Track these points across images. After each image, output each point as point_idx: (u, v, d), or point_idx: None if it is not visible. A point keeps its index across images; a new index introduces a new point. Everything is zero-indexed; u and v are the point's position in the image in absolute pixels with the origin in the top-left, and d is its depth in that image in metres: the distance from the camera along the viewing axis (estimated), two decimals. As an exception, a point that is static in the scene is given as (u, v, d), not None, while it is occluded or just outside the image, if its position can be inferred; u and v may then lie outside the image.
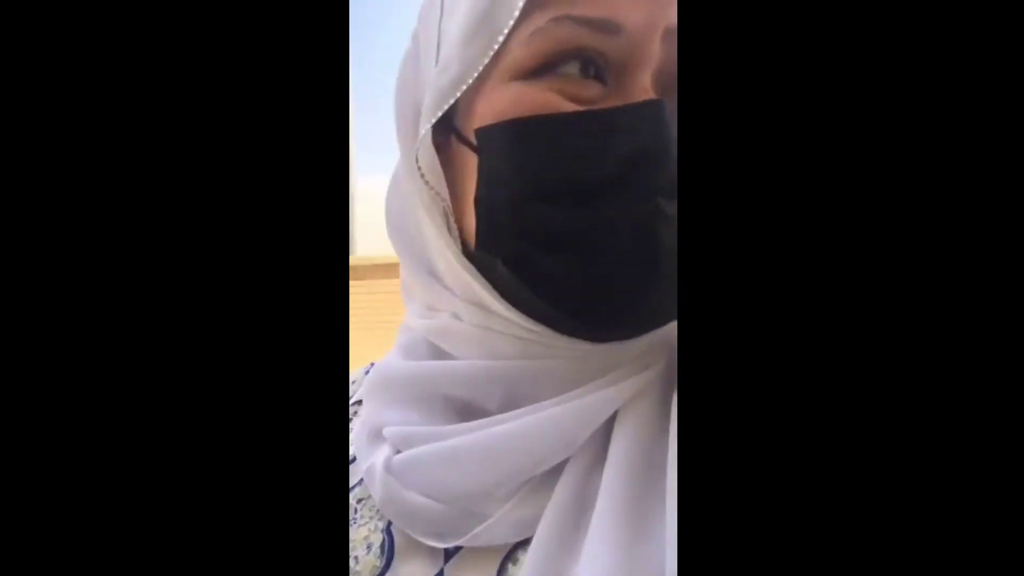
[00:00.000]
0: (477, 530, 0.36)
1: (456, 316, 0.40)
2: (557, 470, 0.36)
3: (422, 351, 0.43)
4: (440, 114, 0.37)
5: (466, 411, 0.40)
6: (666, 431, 0.33)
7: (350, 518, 0.42)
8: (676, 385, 0.33)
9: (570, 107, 0.33)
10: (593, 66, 0.34)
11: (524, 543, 0.36)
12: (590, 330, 0.36)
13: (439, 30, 0.38)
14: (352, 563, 0.40)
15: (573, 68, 0.33)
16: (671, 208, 0.32)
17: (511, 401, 0.37)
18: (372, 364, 0.51)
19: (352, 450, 0.44)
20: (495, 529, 0.36)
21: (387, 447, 0.40)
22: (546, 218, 0.33)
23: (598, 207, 0.32)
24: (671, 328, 0.37)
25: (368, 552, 0.40)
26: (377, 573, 0.39)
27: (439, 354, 0.42)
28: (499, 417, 0.36)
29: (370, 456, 0.41)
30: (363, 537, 0.41)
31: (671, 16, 0.33)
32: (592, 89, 0.34)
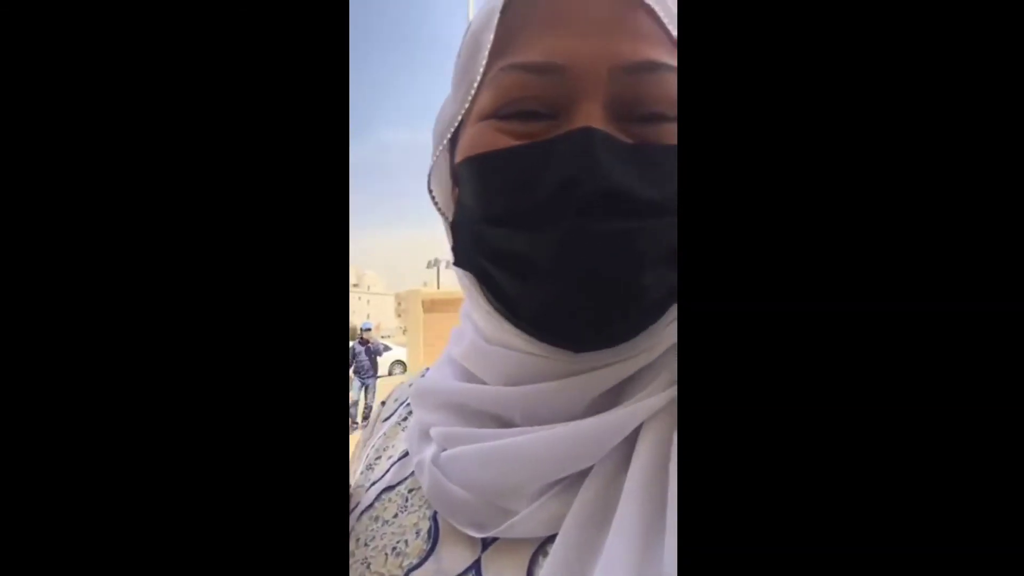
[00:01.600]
0: (509, 523, 0.39)
1: (477, 332, 0.45)
2: (584, 473, 0.39)
3: (454, 369, 0.48)
4: (440, 148, 0.44)
5: (498, 421, 0.44)
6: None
7: (403, 506, 0.47)
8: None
9: (514, 143, 0.38)
10: (537, 103, 0.38)
11: (553, 538, 0.39)
12: (555, 340, 0.40)
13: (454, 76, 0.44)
14: (402, 546, 0.44)
15: (520, 108, 0.38)
16: (604, 225, 0.35)
17: (532, 417, 0.41)
18: (427, 369, 0.57)
19: (405, 446, 0.50)
20: (526, 523, 0.39)
21: (434, 445, 0.44)
22: (496, 240, 0.38)
23: (534, 229, 0.36)
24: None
25: (417, 537, 0.44)
26: (423, 556, 0.43)
27: (468, 374, 0.47)
28: (531, 428, 0.39)
29: (420, 452, 0.45)
30: (413, 523, 0.45)
31: (623, 53, 0.37)
32: (536, 125, 0.38)
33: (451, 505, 0.42)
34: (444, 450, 0.43)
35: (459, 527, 0.42)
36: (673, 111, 0.37)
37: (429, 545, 0.43)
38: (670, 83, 0.37)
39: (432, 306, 5.00)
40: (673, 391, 0.39)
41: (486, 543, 0.42)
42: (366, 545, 0.45)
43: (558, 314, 0.38)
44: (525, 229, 0.36)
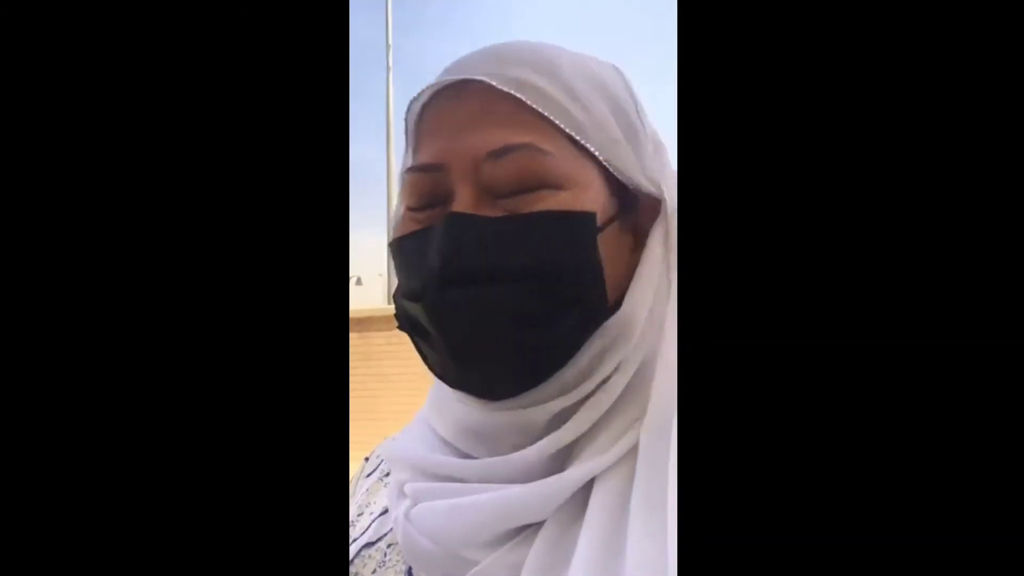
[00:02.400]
0: (474, 570, 0.42)
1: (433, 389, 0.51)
2: (542, 523, 0.43)
3: (420, 429, 0.53)
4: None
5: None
6: (629, 496, 0.41)
7: (381, 561, 0.49)
8: (647, 457, 0.41)
9: (416, 228, 0.47)
10: (430, 196, 0.46)
11: None
12: (470, 392, 0.46)
13: None
14: None
15: (420, 201, 0.47)
16: (463, 292, 0.42)
17: (491, 476, 0.45)
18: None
19: (385, 503, 0.52)
20: (491, 571, 0.42)
21: (408, 500, 0.47)
22: (406, 310, 0.46)
23: (420, 300, 0.43)
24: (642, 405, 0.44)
25: None
26: None
27: (432, 431, 0.52)
28: (492, 486, 0.44)
29: (397, 508, 0.48)
30: None
31: (487, 143, 0.44)
32: (431, 212, 0.46)
33: (421, 557, 0.45)
34: (416, 504, 0.45)
35: None
36: (540, 182, 0.43)
37: None
38: (533, 159, 0.43)
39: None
40: (623, 446, 0.43)
41: None
42: None
43: (453, 371, 0.45)
44: (416, 301, 0.43)
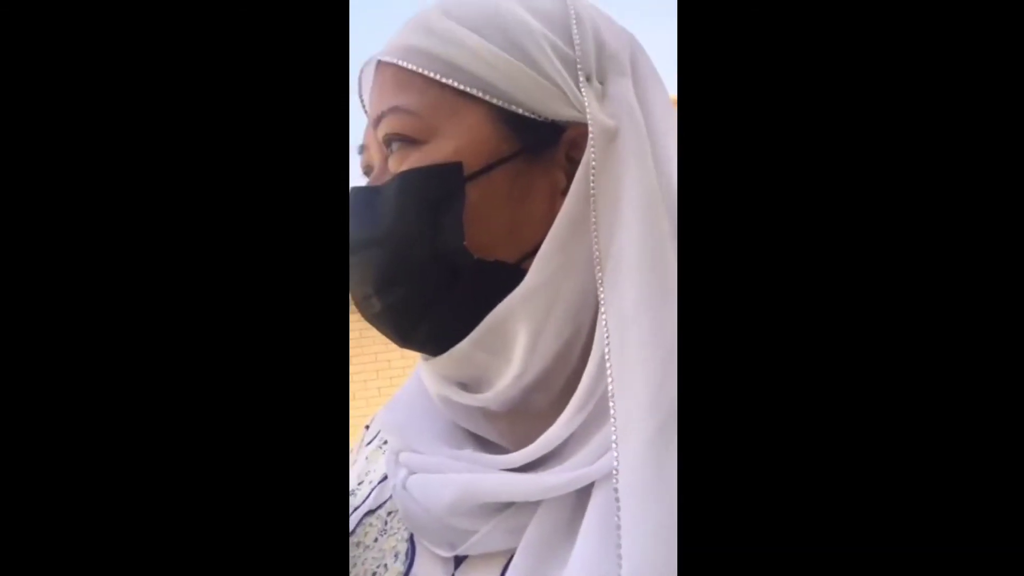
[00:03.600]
0: (474, 540, 0.41)
1: None
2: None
3: (416, 386, 0.52)
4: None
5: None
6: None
7: (383, 529, 0.48)
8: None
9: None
10: (368, 172, 0.47)
11: None
12: (413, 348, 0.46)
13: None
14: (382, 570, 0.45)
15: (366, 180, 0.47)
16: (353, 262, 0.43)
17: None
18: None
19: (384, 470, 0.51)
20: (492, 537, 0.41)
21: (405, 469, 0.46)
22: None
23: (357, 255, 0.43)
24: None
25: (395, 560, 0.45)
26: None
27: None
28: (484, 467, 0.43)
29: (395, 475, 0.47)
30: (391, 547, 0.46)
31: (373, 114, 0.45)
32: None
33: (420, 526, 0.44)
34: (412, 474, 0.45)
35: (431, 547, 0.43)
36: (403, 142, 0.43)
37: (406, 567, 0.44)
38: (394, 121, 0.43)
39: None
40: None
41: (458, 560, 0.43)
42: (349, 571, 0.46)
43: (390, 325, 0.45)
44: (355, 256, 0.44)
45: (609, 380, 0.39)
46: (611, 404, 0.39)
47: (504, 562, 0.40)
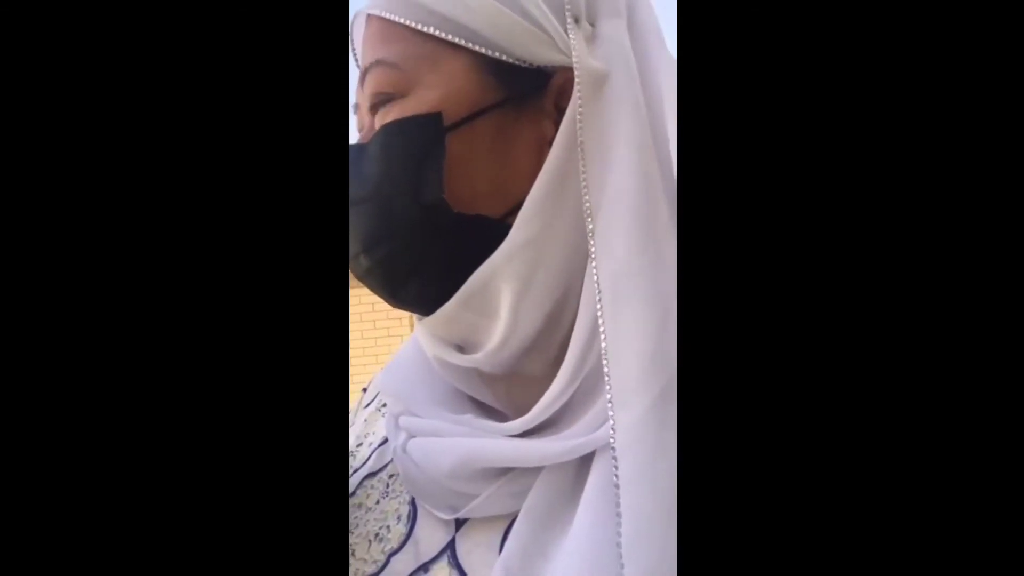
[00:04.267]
0: (475, 503, 0.41)
1: None
2: None
3: (414, 348, 0.51)
4: None
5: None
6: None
7: (384, 492, 0.48)
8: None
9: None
10: (360, 112, 0.46)
11: None
12: (403, 307, 0.45)
13: None
14: (384, 531, 0.45)
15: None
16: (351, 218, 0.42)
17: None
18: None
19: (384, 433, 0.51)
20: (493, 501, 0.41)
21: (404, 433, 0.46)
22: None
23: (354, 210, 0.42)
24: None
25: (398, 522, 0.45)
26: (403, 540, 0.44)
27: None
28: (482, 432, 0.43)
29: (395, 438, 0.47)
30: (394, 509, 0.46)
31: (369, 56, 0.44)
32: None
33: (422, 489, 0.44)
34: (412, 437, 0.45)
35: (432, 510, 0.43)
36: (386, 96, 0.42)
37: (408, 529, 0.44)
38: (377, 75, 0.43)
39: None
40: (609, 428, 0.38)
41: (459, 523, 0.43)
42: (350, 533, 0.46)
43: (381, 284, 0.44)
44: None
45: (602, 338, 0.37)
46: (604, 366, 0.37)
47: (505, 526, 0.40)
